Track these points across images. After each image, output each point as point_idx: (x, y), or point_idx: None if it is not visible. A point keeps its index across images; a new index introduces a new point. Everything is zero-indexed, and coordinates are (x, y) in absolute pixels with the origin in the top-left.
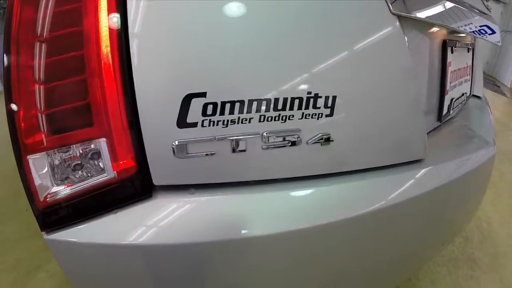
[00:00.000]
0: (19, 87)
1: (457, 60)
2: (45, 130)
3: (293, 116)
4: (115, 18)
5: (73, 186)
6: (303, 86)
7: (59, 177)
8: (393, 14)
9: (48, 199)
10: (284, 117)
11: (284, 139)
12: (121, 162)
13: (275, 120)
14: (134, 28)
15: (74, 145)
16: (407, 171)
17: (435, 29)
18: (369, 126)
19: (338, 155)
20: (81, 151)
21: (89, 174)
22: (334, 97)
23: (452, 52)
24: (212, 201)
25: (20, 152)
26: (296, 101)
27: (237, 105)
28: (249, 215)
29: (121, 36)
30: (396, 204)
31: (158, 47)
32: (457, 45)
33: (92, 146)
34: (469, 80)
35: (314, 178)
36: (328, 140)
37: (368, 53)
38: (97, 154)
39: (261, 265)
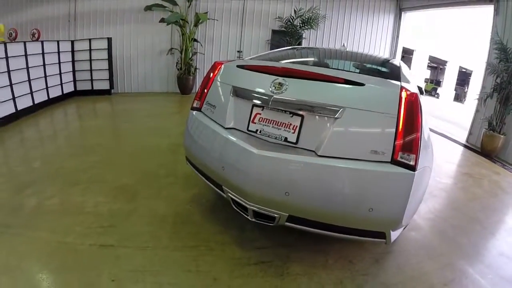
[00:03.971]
0: (200, 92)
1: (267, 115)
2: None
3: None
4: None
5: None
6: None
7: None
8: (231, 95)
9: (195, 106)
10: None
11: None
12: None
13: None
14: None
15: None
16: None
17: (247, 98)
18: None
19: None
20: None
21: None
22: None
23: (262, 109)
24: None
25: (192, 108)
26: None
27: (212, 107)
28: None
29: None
30: None
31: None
32: (265, 108)
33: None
34: (291, 132)
35: None
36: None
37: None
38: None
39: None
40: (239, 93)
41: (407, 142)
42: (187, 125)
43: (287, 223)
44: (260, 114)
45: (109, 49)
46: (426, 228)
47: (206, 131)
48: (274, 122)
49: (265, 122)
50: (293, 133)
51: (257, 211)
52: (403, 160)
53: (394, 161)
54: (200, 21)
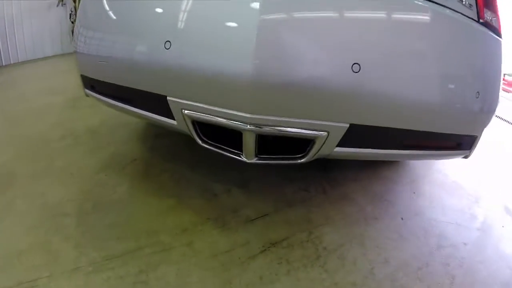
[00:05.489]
0: None
1: None
2: None
3: None
4: None
5: None
6: None
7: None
8: None
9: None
10: None
11: None
12: None
13: None
14: None
15: None
16: None
17: None
18: None
19: None
20: None
21: None
22: None
23: None
24: None
25: None
26: None
27: None
28: None
29: None
30: None
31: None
32: None
33: None
34: None
35: None
36: None
37: None
38: None
39: None
40: None
41: None
42: (79, 14)
43: (338, 149)
44: None
45: None
46: None
47: None
48: None
49: None
50: None
51: (268, 136)
52: (490, 22)
53: (480, 21)
54: None
